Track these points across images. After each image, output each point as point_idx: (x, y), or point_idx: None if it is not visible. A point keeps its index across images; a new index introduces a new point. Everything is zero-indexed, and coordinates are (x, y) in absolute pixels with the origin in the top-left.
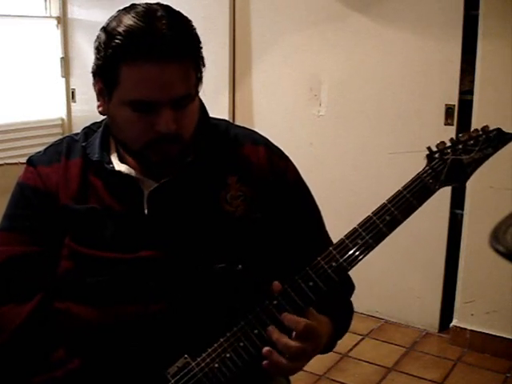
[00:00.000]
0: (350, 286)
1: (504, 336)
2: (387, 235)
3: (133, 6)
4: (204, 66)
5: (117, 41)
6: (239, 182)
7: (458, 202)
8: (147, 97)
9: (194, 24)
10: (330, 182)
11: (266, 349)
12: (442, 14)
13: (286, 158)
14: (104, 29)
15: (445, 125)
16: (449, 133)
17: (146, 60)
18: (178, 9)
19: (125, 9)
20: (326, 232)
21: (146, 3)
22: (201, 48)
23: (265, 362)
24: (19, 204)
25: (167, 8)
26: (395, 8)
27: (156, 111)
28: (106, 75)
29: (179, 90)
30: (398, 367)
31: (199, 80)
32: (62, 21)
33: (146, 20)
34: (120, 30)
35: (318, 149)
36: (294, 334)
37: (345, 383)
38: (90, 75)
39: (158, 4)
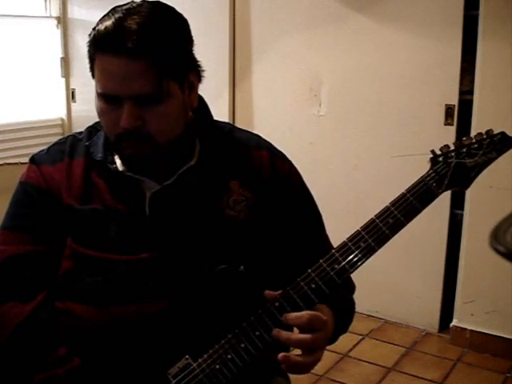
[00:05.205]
0: (350, 286)
1: (504, 336)
2: (390, 238)
3: (127, 3)
4: (179, 72)
5: (92, 35)
6: (242, 187)
7: (458, 202)
8: (108, 89)
9: (181, 29)
10: (330, 181)
11: (281, 355)
12: (442, 14)
13: (290, 162)
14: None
15: (445, 125)
16: (449, 133)
17: (107, 52)
18: (178, 9)
19: (120, 6)
20: (327, 236)
21: (140, 1)
22: (173, 54)
23: (284, 366)
24: (22, 203)
25: (154, 8)
26: (395, 8)
27: (121, 105)
28: (91, 69)
29: (137, 87)
30: (398, 367)
31: (165, 82)
32: (62, 21)
33: (119, 17)
34: (98, 25)
35: (318, 149)
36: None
37: (345, 383)
38: (90, 75)
39: (150, 3)
